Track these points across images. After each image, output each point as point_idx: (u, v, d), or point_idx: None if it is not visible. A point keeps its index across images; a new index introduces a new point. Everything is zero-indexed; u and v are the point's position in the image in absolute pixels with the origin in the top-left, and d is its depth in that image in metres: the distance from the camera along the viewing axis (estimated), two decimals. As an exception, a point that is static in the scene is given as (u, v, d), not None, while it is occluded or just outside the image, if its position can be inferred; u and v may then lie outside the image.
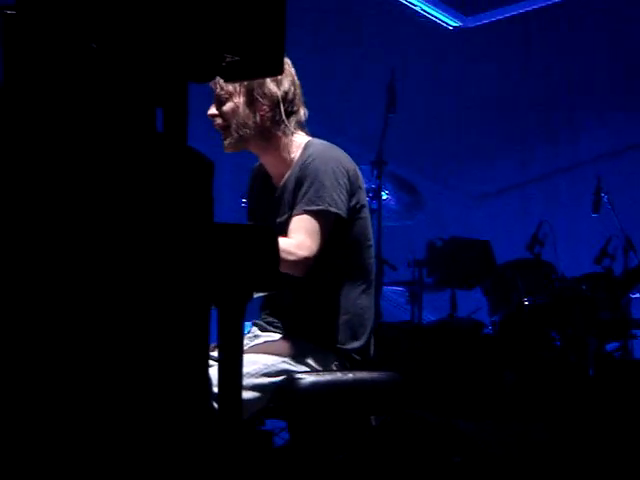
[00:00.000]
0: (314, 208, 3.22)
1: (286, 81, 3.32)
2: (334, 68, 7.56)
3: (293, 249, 3.14)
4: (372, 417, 3.41)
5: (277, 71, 2.56)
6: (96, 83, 2.31)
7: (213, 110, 3.36)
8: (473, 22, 7.76)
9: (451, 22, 7.74)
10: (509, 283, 5.44)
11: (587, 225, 6.78)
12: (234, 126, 3.32)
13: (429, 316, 6.09)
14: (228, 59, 2.45)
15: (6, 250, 2.09)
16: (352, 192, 3.31)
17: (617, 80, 7.67)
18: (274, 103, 3.31)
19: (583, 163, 7.68)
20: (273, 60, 2.50)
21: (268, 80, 3.29)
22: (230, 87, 3.30)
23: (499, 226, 7.53)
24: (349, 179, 3.30)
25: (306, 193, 3.24)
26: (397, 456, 3.33)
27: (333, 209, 3.23)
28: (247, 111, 3.31)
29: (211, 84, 3.34)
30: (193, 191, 2.33)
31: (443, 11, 7.70)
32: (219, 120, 3.35)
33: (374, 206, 5.51)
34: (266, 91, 3.30)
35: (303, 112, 3.40)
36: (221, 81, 3.30)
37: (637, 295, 5.70)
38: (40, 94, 2.26)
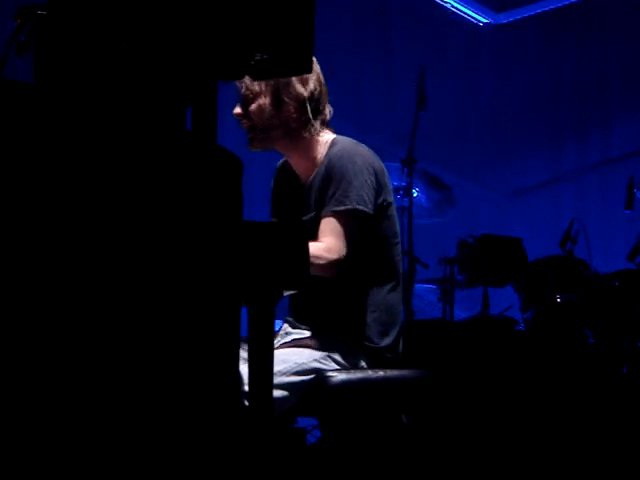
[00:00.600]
0: (342, 208, 3.23)
1: (312, 81, 3.31)
2: (365, 66, 7.56)
3: (322, 253, 3.16)
4: (403, 415, 3.41)
5: (306, 69, 2.56)
6: (126, 82, 2.32)
7: (239, 109, 3.36)
8: (504, 18, 7.73)
9: (482, 18, 7.71)
10: (541, 280, 5.41)
11: (620, 221, 6.74)
12: (260, 126, 3.32)
13: (461, 314, 6.07)
14: (257, 57, 2.45)
15: (36, 243, 2.10)
16: (379, 189, 3.31)
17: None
18: (300, 103, 3.31)
19: (616, 159, 7.63)
20: (302, 58, 2.50)
21: (294, 80, 3.28)
22: (256, 87, 3.29)
23: (531, 223, 7.50)
24: (376, 176, 3.30)
25: (334, 193, 3.24)
26: (428, 454, 3.32)
27: (361, 207, 3.23)
28: (274, 112, 3.30)
29: (237, 83, 3.34)
30: (222, 189, 2.34)
31: (474, 7, 7.67)
32: (245, 120, 3.35)
33: (405, 204, 5.49)
34: (292, 91, 3.29)
35: (328, 110, 3.40)
36: (247, 81, 3.29)
37: (671, 291, 5.65)
38: (70, 93, 2.27)
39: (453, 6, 7.61)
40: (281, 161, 3.55)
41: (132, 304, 2.15)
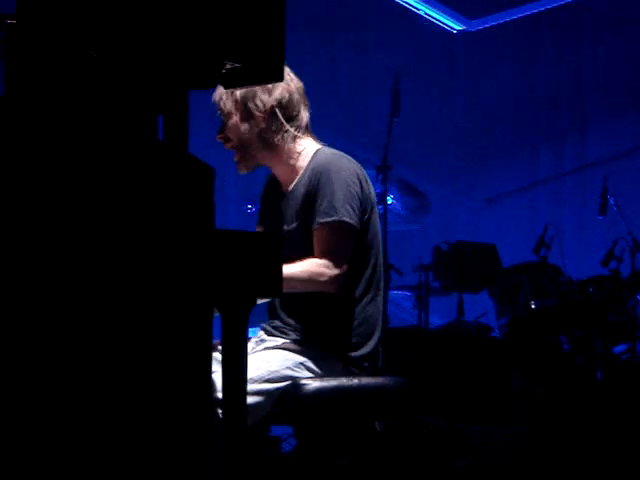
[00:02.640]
0: (329, 220, 3.24)
1: (278, 88, 3.33)
2: (339, 73, 7.56)
3: (323, 269, 3.20)
4: (377, 422, 3.40)
5: (278, 77, 2.56)
6: (97, 91, 2.31)
7: (219, 134, 3.39)
8: (477, 25, 7.75)
9: (455, 26, 7.73)
10: (515, 286, 5.43)
11: (594, 227, 6.77)
12: (239, 144, 3.35)
13: (436, 320, 6.08)
14: (228, 66, 2.45)
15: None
16: (364, 201, 3.33)
17: (624, 82, 7.65)
18: (269, 112, 3.33)
19: (590, 165, 7.66)
20: (274, 66, 2.51)
21: (259, 91, 3.31)
22: (227, 106, 3.34)
23: (507, 229, 7.51)
24: (361, 188, 3.32)
25: (321, 205, 3.26)
26: (402, 461, 3.32)
27: (346, 219, 3.25)
28: (246, 126, 3.34)
29: (217, 109, 3.37)
30: (194, 198, 2.33)
31: (447, 15, 7.68)
32: (226, 142, 3.38)
33: (380, 211, 5.49)
34: (258, 102, 3.32)
35: (305, 115, 3.41)
36: (221, 103, 3.34)
37: (644, 297, 5.68)
38: (41, 102, 2.26)
39: (427, 13, 7.61)
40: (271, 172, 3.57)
41: (101, 312, 2.14)
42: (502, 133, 7.83)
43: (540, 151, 7.94)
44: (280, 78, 2.56)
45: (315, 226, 3.26)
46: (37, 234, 2.11)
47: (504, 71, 7.82)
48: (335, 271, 3.22)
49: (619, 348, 5.47)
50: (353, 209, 3.27)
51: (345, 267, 3.24)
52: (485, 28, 7.74)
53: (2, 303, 2.08)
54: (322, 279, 3.19)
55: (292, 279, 3.09)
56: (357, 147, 6.48)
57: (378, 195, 5.49)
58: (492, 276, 5.59)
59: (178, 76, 2.40)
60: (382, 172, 5.43)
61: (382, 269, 3.45)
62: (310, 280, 3.19)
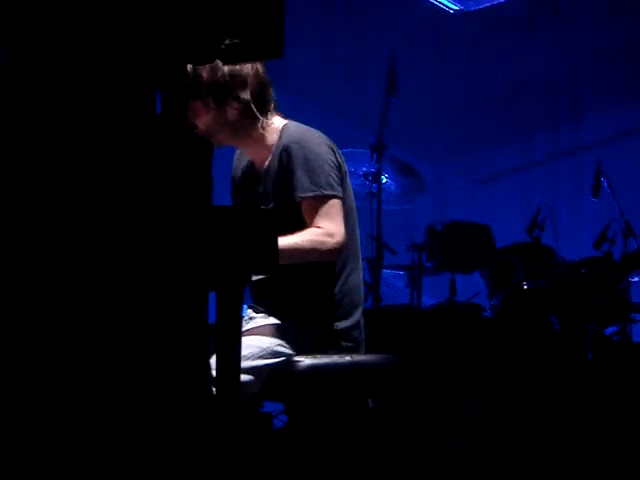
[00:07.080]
0: (318, 193, 3.24)
1: (250, 80, 3.30)
2: (335, 52, 7.54)
3: (325, 238, 3.20)
4: (369, 399, 3.42)
5: (277, 53, 2.56)
6: (96, 65, 2.31)
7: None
8: (474, 5, 7.73)
9: (452, 5, 7.71)
10: (508, 267, 5.43)
11: (587, 209, 6.78)
12: (206, 132, 3.29)
13: (428, 300, 6.09)
14: (227, 42, 2.45)
15: None
16: (339, 169, 3.33)
17: (620, 65, 7.65)
18: (245, 106, 3.31)
19: (585, 147, 7.67)
20: (273, 42, 2.50)
21: (234, 87, 3.28)
22: (198, 103, 3.27)
23: (501, 210, 7.52)
24: (336, 158, 3.32)
25: (303, 180, 3.25)
26: (394, 438, 3.34)
27: (335, 192, 3.26)
28: (221, 120, 3.31)
29: None
30: (191, 173, 2.33)
31: (444, -5, 7.67)
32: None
33: (374, 190, 5.50)
34: (234, 98, 3.29)
35: (272, 97, 3.40)
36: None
37: (636, 279, 5.70)
38: (39, 76, 2.26)
39: (424, -7, 7.60)
40: (239, 149, 3.55)
41: (98, 292, 2.15)
42: (498, 114, 7.83)
43: (535, 133, 7.94)
44: (279, 54, 2.56)
45: (299, 199, 3.25)
46: (29, 204, 2.11)
47: (501, 52, 7.81)
48: (337, 239, 3.23)
49: (610, 330, 5.50)
50: (336, 180, 3.28)
51: (345, 236, 3.25)
52: (482, 8, 7.72)
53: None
54: (324, 247, 3.19)
55: (293, 249, 3.09)
56: (352, 126, 6.49)
57: (372, 174, 5.51)
58: (485, 256, 5.59)
59: (177, 51, 2.40)
60: (377, 151, 5.42)
61: (359, 239, 3.46)
62: (312, 249, 3.19)
